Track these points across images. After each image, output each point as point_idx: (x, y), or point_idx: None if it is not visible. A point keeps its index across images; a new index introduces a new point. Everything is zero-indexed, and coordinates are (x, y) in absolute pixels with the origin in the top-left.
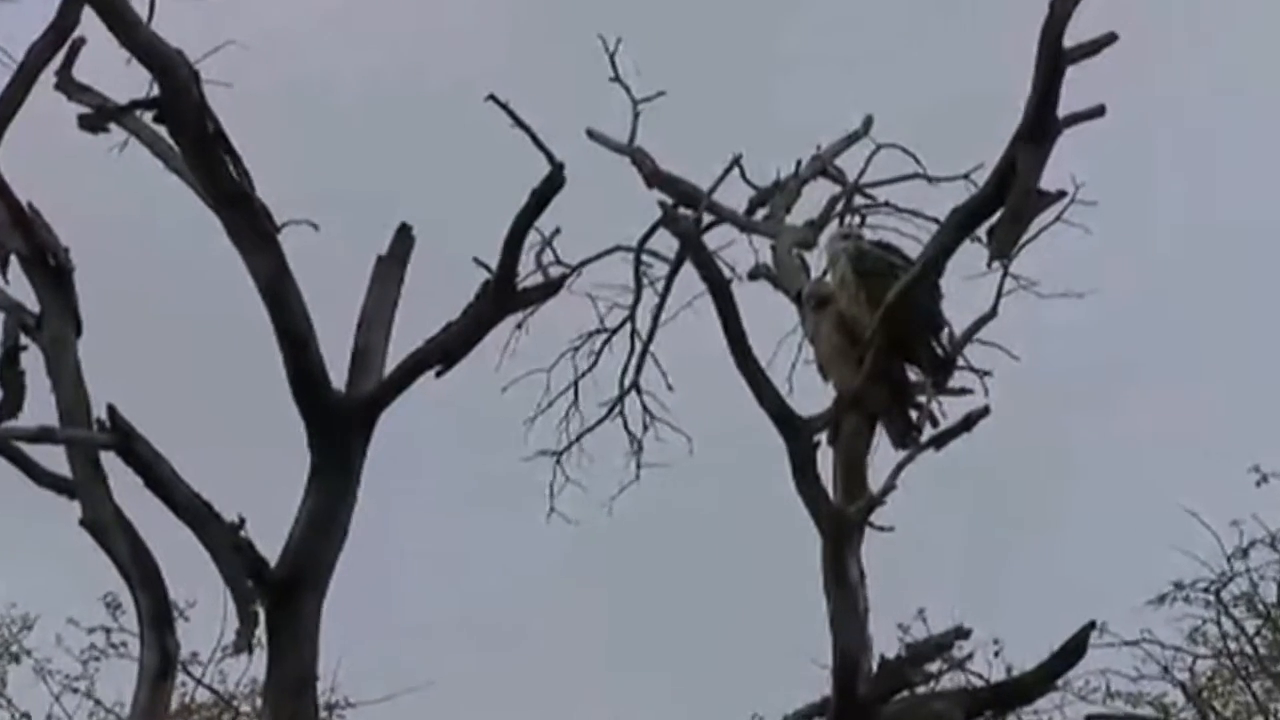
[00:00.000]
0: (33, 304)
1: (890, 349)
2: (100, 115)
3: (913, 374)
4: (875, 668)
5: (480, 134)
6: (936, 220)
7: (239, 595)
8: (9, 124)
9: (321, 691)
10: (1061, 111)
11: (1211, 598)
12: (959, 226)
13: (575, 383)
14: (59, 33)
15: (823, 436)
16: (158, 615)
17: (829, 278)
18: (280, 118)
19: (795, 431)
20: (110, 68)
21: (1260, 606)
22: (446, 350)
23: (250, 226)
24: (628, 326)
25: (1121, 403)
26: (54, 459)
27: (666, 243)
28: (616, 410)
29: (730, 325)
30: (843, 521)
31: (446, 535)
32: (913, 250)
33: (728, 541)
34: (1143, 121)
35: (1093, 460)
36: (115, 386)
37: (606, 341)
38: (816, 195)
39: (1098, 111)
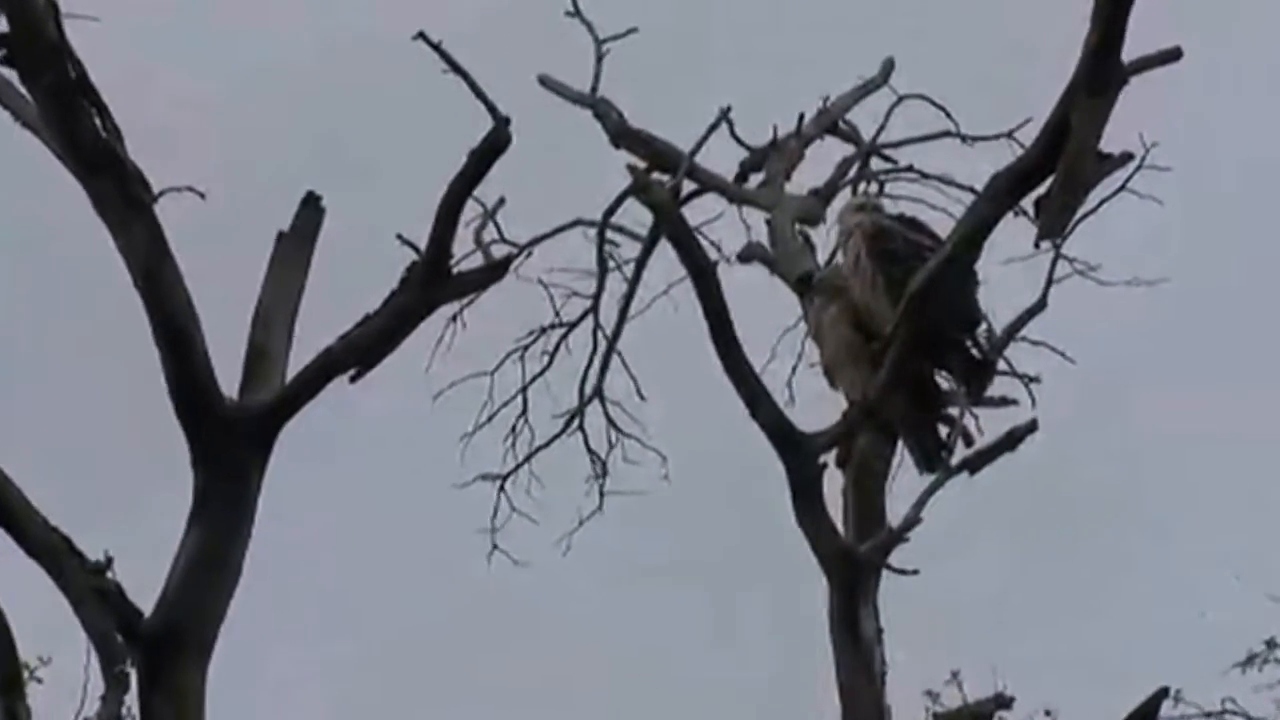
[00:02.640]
0: None
1: (914, 348)
2: None
3: (942, 380)
4: None
5: (409, 85)
6: (973, 189)
7: (105, 652)
8: None
9: None
10: (1126, 56)
11: None
12: (1000, 197)
13: (524, 389)
14: None
15: (830, 457)
16: (3, 677)
17: (839, 260)
18: (158, 62)
19: (796, 450)
20: None
21: None
22: (364, 349)
23: (120, 195)
24: (589, 320)
25: (1177, 410)
26: None
27: (637, 216)
28: (575, 424)
29: (716, 319)
30: (855, 563)
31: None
32: (943, 226)
33: (711, 585)
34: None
35: (1153, 480)
36: None
37: (563, 339)
38: (824, 157)
39: (1172, 55)
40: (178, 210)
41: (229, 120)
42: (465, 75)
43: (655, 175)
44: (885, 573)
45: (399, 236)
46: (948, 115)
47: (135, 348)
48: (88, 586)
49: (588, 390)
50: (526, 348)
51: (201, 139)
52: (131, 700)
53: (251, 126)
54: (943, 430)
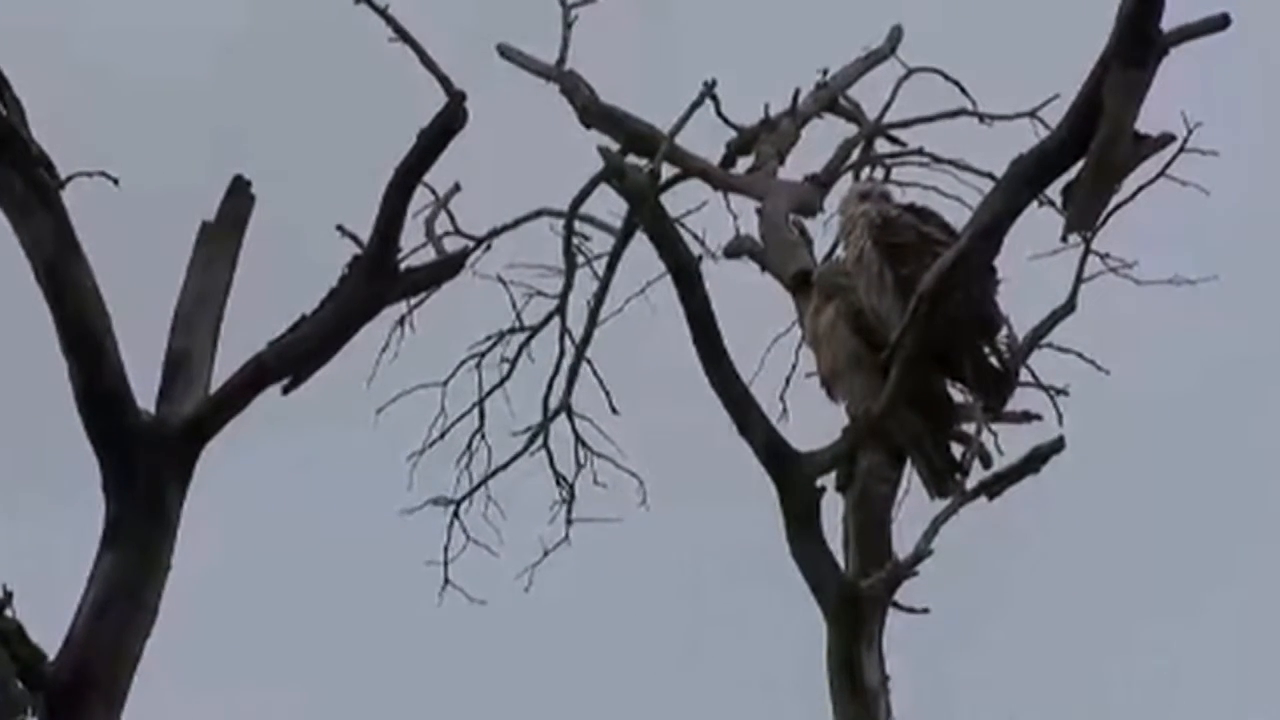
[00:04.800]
0: None
1: (925, 356)
2: None
3: (956, 392)
4: None
5: (354, 57)
6: (991, 175)
7: (3, 701)
8: None
9: None
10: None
11: None
12: (1023, 184)
13: (480, 402)
14: None
15: (829, 479)
16: None
17: (840, 254)
18: (69, 27)
19: (790, 471)
20: None
21: None
22: (299, 356)
23: (22, 179)
24: (555, 324)
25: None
26: None
27: (610, 205)
28: (539, 442)
29: (699, 322)
30: (856, 601)
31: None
32: (957, 217)
33: (693, 625)
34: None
35: (1208, 511)
36: None
37: (525, 344)
38: (823, 139)
39: (1218, 23)
40: (88, 197)
41: (147, 97)
42: (414, 44)
43: (630, 159)
44: (892, 611)
45: (339, 227)
46: (963, 91)
47: (37, 352)
48: None
49: (553, 404)
50: (483, 355)
51: (115, 117)
52: None
53: (174, 103)
54: (957, 449)
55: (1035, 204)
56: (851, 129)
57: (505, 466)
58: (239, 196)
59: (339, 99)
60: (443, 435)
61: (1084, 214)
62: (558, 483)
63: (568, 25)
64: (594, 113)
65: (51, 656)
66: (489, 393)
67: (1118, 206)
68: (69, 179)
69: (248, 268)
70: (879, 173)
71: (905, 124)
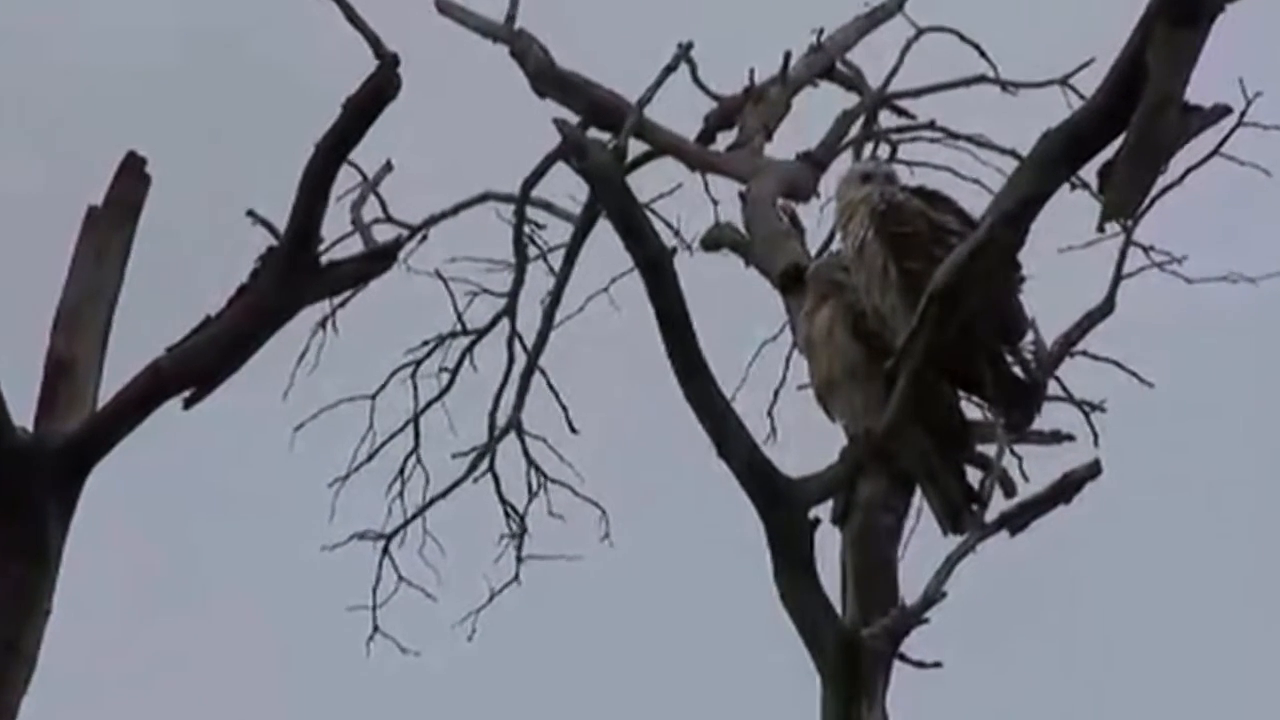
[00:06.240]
0: None
1: (937, 365)
2: None
3: (974, 407)
4: None
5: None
6: (1016, 153)
7: None
8: None
9: None
10: None
11: None
12: (1052, 164)
13: (415, 419)
14: None
15: (825, 510)
16: None
17: (839, 246)
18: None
19: (779, 501)
20: None
21: None
22: (202, 364)
23: None
24: (504, 326)
25: None
26: None
27: (568, 187)
28: (484, 465)
29: (672, 324)
30: (856, 651)
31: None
32: (976, 202)
33: (665, 680)
34: None
35: (1268, 545)
36: None
37: (469, 351)
38: (818, 109)
39: None
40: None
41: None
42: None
43: (592, 133)
44: (897, 665)
45: (251, 213)
46: (982, 54)
47: None
48: None
49: (500, 420)
50: (419, 363)
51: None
52: None
53: (61, 64)
54: (974, 476)
55: (1067, 187)
56: (852, 99)
57: (444, 494)
58: (131, 178)
59: (255, 64)
60: (371, 457)
61: (1124, 199)
62: (506, 513)
63: None
64: (549, 79)
65: None
66: (425, 407)
67: (1164, 190)
68: None
69: (142, 260)
70: (883, 150)
71: (914, 93)
